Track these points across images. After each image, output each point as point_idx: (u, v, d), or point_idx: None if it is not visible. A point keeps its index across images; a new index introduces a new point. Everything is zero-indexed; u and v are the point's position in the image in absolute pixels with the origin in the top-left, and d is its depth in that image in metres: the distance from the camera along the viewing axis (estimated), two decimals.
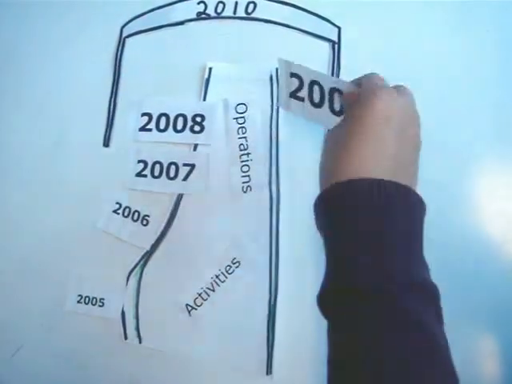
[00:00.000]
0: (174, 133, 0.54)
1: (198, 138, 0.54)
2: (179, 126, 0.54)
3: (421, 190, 0.48)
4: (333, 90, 0.44)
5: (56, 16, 0.60)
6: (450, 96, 0.50)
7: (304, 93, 0.48)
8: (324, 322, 0.48)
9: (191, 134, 0.54)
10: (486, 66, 0.51)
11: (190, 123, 0.54)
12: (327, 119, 0.46)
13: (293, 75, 0.48)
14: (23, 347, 0.55)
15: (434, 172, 0.49)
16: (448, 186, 0.49)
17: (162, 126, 0.55)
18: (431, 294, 0.30)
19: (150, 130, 0.55)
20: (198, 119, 0.54)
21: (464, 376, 0.45)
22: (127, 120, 0.56)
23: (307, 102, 0.48)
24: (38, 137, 0.58)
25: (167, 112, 0.55)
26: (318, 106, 0.47)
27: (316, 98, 0.47)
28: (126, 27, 0.58)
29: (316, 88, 0.46)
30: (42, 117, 0.58)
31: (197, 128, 0.54)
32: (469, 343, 0.47)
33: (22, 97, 0.60)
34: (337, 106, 0.45)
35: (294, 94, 0.49)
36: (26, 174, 0.58)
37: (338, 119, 0.45)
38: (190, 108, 0.54)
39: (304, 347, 0.49)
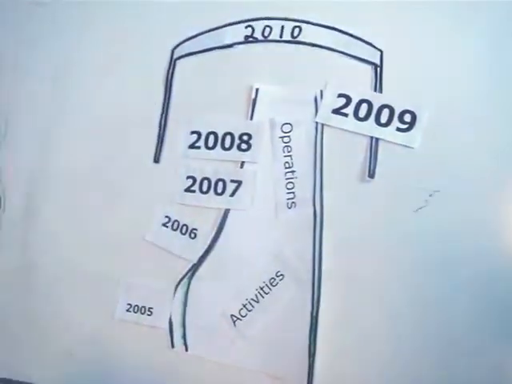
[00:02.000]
0: (221, 150, 0.57)
1: (245, 156, 0.56)
2: (227, 143, 0.57)
3: (456, 202, 0.50)
4: (382, 107, 0.53)
5: (111, 38, 0.63)
6: (490, 115, 0.52)
7: (349, 110, 0.54)
8: (365, 335, 0.50)
9: (238, 152, 0.56)
10: None
11: (237, 141, 0.56)
12: (370, 129, 0.53)
13: (341, 95, 0.54)
14: (73, 355, 0.58)
15: (470, 185, 0.51)
16: (484, 198, 0.51)
17: (210, 144, 0.57)
18: None
19: (198, 147, 0.58)
20: (245, 138, 0.56)
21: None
22: (177, 138, 0.59)
23: (351, 117, 0.54)
24: (94, 151, 0.61)
25: (215, 130, 0.57)
26: (363, 119, 0.53)
27: (362, 113, 0.54)
28: (177, 49, 0.60)
29: (364, 105, 0.53)
30: (98, 133, 0.61)
31: (244, 146, 0.56)
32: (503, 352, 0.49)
33: (80, 113, 0.62)
34: (383, 119, 0.53)
35: (337, 111, 0.54)
36: (82, 186, 0.60)
37: (383, 129, 0.53)
38: (238, 127, 0.57)
39: (345, 359, 0.51)
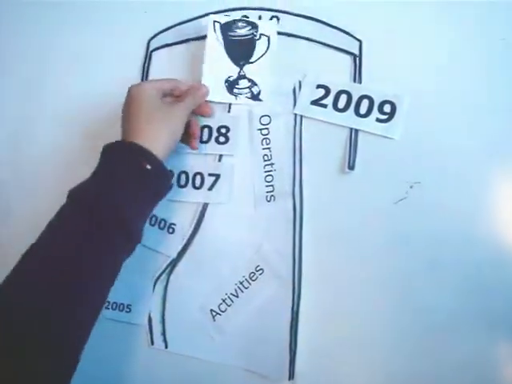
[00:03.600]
0: (199, 143, 0.56)
1: (223, 149, 0.55)
2: (205, 136, 0.56)
3: (437, 193, 0.50)
4: (362, 97, 0.52)
5: (85, 29, 0.62)
6: (469, 103, 0.51)
7: (328, 101, 0.53)
8: (346, 331, 0.50)
9: (216, 145, 0.55)
10: (503, 73, 0.52)
11: (215, 134, 0.56)
12: (350, 120, 0.52)
13: (319, 86, 0.54)
14: None
15: (451, 176, 0.50)
16: (465, 189, 0.50)
17: None
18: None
19: None
20: (223, 130, 0.55)
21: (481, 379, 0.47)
22: None
23: (330, 108, 0.53)
24: (70, 146, 0.60)
25: None
26: (343, 110, 0.53)
27: (341, 104, 0.53)
28: (153, 40, 0.59)
29: (343, 96, 0.53)
30: (69, 129, 0.60)
31: (222, 139, 0.55)
32: (486, 347, 0.48)
33: (50, 107, 0.62)
34: (363, 110, 0.52)
35: (316, 102, 0.54)
36: (54, 180, 0.59)
37: (362, 120, 0.52)
38: (216, 119, 0.56)
39: (326, 353, 0.51)
